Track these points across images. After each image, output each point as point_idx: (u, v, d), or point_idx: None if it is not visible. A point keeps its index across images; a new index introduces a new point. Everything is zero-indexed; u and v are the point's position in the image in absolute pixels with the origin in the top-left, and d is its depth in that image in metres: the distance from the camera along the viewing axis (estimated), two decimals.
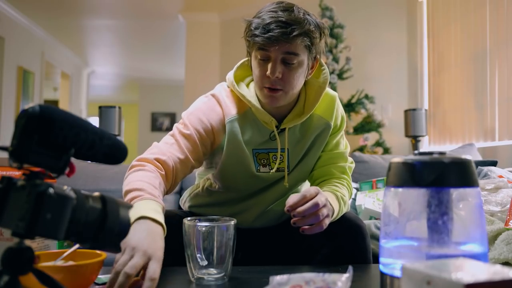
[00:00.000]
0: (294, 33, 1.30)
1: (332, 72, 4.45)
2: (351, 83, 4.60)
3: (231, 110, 1.47)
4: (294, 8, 1.36)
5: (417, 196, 0.88)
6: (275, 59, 1.34)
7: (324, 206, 1.26)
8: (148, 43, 8.06)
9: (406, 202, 0.91)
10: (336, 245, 1.41)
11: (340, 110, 1.58)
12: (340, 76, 4.52)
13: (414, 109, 4.19)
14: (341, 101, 4.39)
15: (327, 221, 1.27)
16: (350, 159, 1.62)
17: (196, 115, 1.46)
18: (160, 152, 1.38)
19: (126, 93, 12.56)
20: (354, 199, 2.53)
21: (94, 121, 9.66)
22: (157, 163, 1.36)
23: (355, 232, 1.42)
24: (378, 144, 4.48)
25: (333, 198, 1.40)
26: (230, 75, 1.51)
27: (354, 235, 1.42)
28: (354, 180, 2.77)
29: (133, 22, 7.00)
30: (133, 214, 1.11)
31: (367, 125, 4.52)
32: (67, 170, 0.71)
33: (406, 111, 4.23)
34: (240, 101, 1.49)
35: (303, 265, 1.35)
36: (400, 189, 0.91)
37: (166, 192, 1.40)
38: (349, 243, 1.41)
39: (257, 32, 1.32)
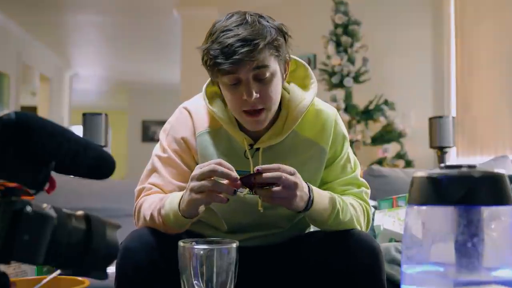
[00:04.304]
0: (260, 47, 1.31)
1: (347, 75, 4.46)
2: (368, 87, 4.60)
3: (203, 123, 1.52)
4: (247, 17, 1.35)
5: (443, 215, 0.88)
6: (247, 79, 1.34)
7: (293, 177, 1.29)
8: (138, 41, 8.09)
9: (431, 222, 0.91)
10: (347, 264, 1.40)
11: (339, 128, 1.56)
12: (356, 79, 4.53)
13: (440, 117, 4.17)
14: (357, 108, 4.48)
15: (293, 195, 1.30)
16: (363, 181, 1.58)
17: (170, 133, 1.55)
18: (148, 188, 1.51)
19: (114, 99, 12.58)
20: (372, 219, 2.52)
21: (78, 130, 9.68)
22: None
23: (367, 252, 1.42)
24: (399, 156, 4.48)
25: (325, 194, 1.42)
26: (203, 89, 1.55)
27: (366, 255, 1.41)
28: (372, 198, 2.76)
29: (121, 18, 7.03)
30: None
31: (386, 135, 4.52)
32: (46, 186, 0.71)
33: (430, 119, 4.22)
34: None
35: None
36: (424, 207, 0.91)
37: None
38: (360, 264, 1.41)
39: (219, 59, 1.31)
